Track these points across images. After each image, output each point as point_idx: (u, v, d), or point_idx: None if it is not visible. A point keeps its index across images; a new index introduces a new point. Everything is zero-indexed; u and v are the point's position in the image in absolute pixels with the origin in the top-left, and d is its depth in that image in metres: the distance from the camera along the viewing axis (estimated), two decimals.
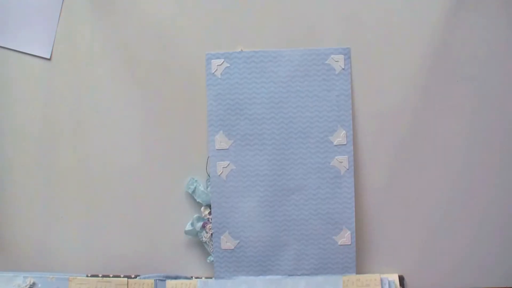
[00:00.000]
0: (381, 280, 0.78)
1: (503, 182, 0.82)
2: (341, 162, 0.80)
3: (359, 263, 0.81)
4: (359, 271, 0.80)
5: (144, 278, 0.80)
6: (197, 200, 0.81)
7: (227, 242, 0.80)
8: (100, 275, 0.80)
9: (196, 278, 0.80)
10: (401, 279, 0.81)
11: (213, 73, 0.81)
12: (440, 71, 0.81)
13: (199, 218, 0.81)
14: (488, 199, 0.82)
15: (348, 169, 0.80)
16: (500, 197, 0.82)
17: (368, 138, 0.81)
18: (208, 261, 0.81)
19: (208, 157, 0.81)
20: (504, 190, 0.82)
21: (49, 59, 0.83)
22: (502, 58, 0.81)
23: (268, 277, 0.80)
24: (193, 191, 0.81)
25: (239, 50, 0.81)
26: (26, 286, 0.79)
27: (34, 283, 0.79)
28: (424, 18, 0.81)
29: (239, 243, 0.80)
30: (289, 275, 0.80)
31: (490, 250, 0.82)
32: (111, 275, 0.80)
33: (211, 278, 0.80)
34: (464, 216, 0.82)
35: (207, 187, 0.81)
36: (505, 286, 0.82)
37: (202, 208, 0.81)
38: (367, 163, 0.81)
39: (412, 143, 0.81)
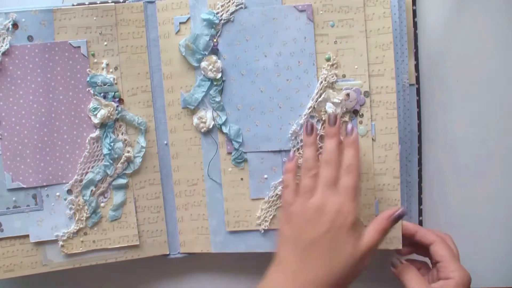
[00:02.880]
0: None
1: (504, 181, 0.81)
2: None
3: None
4: None
5: (133, 1, 0.78)
6: None
7: None
8: (86, 3, 0.78)
9: None
10: None
11: None
12: None
13: None
14: (488, 199, 0.81)
15: None
16: (500, 196, 0.81)
17: None
18: None
19: None
20: (507, 189, 0.81)
21: None
22: None
23: None
24: None
25: None
26: (9, 22, 0.77)
27: (17, 19, 0.76)
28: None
29: None
30: None
31: (491, 250, 0.82)
32: (98, 2, 0.78)
33: None
34: (464, 216, 0.82)
35: None
36: (505, 286, 0.81)
37: None
38: None
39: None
